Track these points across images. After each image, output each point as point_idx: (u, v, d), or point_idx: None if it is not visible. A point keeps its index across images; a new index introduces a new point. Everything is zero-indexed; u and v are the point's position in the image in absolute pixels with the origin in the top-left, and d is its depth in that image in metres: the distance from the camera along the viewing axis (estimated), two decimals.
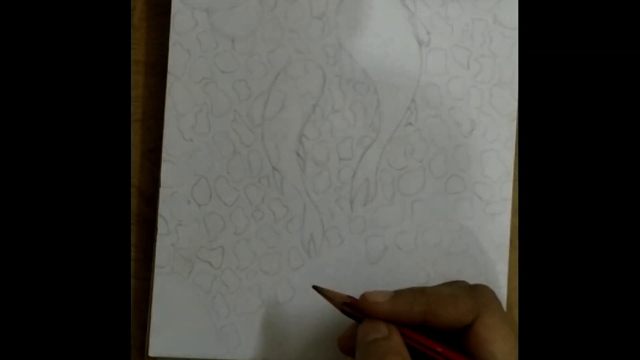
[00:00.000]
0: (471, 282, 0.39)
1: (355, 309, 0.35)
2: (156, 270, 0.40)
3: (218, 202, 0.40)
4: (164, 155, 0.40)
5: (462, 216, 0.41)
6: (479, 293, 0.35)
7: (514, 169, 0.41)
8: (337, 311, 0.39)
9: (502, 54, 0.41)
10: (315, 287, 0.36)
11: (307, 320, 0.40)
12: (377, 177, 0.41)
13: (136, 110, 0.42)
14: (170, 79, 0.40)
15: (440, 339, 0.34)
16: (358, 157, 0.41)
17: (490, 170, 0.41)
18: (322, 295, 0.36)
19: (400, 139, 0.41)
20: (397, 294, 0.35)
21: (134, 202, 0.42)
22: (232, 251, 0.40)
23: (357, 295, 0.35)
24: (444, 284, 0.37)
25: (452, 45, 0.41)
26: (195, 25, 0.41)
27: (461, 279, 0.40)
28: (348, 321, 0.36)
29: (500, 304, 0.36)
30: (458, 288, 0.36)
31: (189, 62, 0.40)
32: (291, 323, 0.40)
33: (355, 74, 0.41)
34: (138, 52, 0.43)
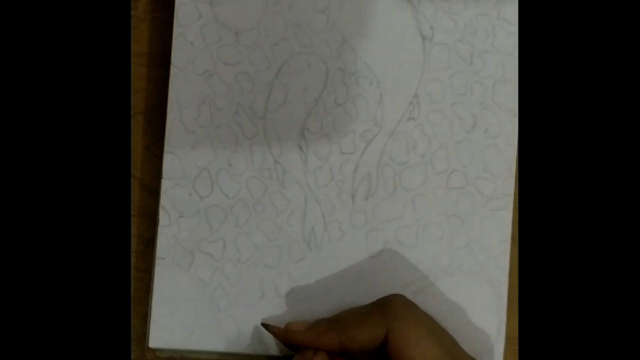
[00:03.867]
0: (472, 278, 0.39)
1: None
2: (157, 262, 0.40)
3: (220, 195, 0.40)
4: (166, 147, 0.40)
5: (464, 211, 0.41)
6: (388, 304, 0.35)
7: (516, 164, 0.41)
8: (337, 304, 0.40)
9: (506, 50, 0.41)
10: (263, 324, 0.38)
11: (307, 313, 0.40)
12: (378, 171, 0.41)
13: (139, 102, 0.42)
14: (173, 71, 0.41)
15: None
16: (360, 151, 0.41)
17: (493, 166, 0.41)
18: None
19: (403, 134, 0.41)
20: (315, 323, 0.36)
21: (136, 194, 0.42)
22: (233, 243, 0.40)
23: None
24: (357, 307, 0.37)
25: (456, 40, 0.41)
26: (199, 18, 0.41)
27: (462, 274, 0.40)
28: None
29: (412, 309, 0.36)
30: (366, 306, 0.36)
31: (192, 54, 0.41)
32: (291, 316, 0.40)
33: (358, 68, 0.41)
34: (142, 45, 0.43)
